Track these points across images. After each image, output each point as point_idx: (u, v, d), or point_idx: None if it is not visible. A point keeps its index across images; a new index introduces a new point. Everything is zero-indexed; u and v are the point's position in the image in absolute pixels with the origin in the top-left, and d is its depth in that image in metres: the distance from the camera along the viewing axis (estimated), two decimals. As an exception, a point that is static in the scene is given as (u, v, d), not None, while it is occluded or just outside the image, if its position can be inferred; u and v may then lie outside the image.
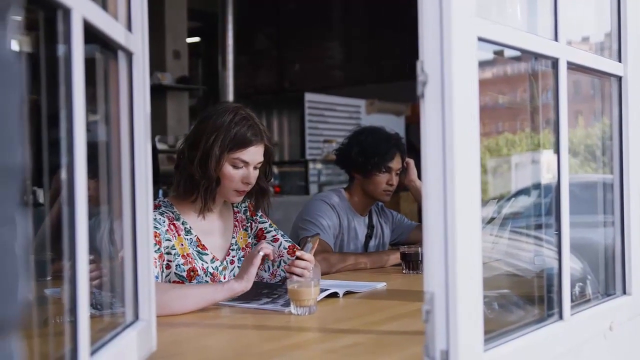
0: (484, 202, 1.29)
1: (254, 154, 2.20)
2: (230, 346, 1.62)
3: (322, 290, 2.04)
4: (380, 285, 2.35)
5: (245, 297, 2.04)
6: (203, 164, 2.16)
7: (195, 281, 2.16)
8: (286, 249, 2.35)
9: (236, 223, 2.37)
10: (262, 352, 1.53)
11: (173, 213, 2.21)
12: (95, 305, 1.31)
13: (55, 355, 1.11)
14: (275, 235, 2.40)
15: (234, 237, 2.34)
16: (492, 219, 2.20)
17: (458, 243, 1.15)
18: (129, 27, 1.34)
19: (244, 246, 2.36)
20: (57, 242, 1.08)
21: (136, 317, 1.37)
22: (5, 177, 0.56)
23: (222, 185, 2.21)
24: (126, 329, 1.31)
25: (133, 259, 1.36)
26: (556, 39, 1.51)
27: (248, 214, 2.41)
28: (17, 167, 0.58)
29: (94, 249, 1.15)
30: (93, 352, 1.09)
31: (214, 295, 1.95)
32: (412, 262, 2.65)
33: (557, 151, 1.52)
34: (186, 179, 2.20)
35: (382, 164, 2.98)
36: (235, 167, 2.19)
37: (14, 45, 0.59)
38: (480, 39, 1.24)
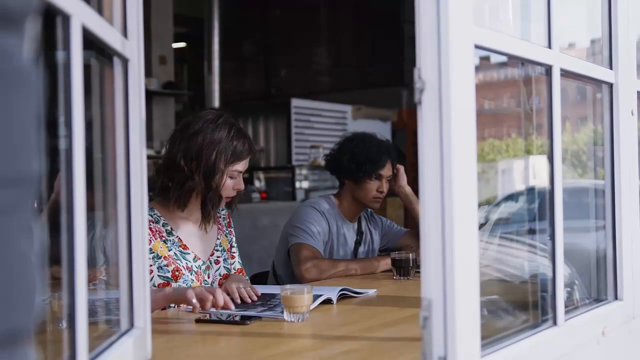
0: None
1: (247, 163, 2.34)
2: (224, 354, 1.62)
3: (316, 297, 2.04)
4: (372, 292, 2.35)
5: (241, 307, 2.03)
6: (207, 179, 2.23)
7: (181, 280, 2.22)
8: (235, 270, 2.44)
9: (219, 226, 2.46)
10: (258, 358, 1.53)
11: (152, 216, 2.26)
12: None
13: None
14: (235, 253, 2.51)
15: (218, 239, 2.42)
16: (480, 225, 2.20)
17: (456, 249, 1.15)
18: (124, 33, 1.34)
19: (227, 249, 2.45)
20: (49, 248, 1.07)
21: (131, 324, 1.36)
22: (22, 186, 0.56)
23: None
24: (122, 337, 1.30)
25: (128, 266, 1.36)
26: (550, 46, 1.52)
27: (226, 222, 2.51)
28: (33, 176, 0.58)
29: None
30: (90, 361, 1.08)
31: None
32: (403, 268, 2.65)
33: (550, 157, 1.53)
34: (187, 192, 2.24)
35: (374, 171, 2.98)
36: (231, 177, 2.29)
37: (30, 54, 0.59)
38: (477, 46, 1.24)
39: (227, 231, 2.49)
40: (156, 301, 1.99)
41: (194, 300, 1.88)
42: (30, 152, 0.57)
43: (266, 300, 2.12)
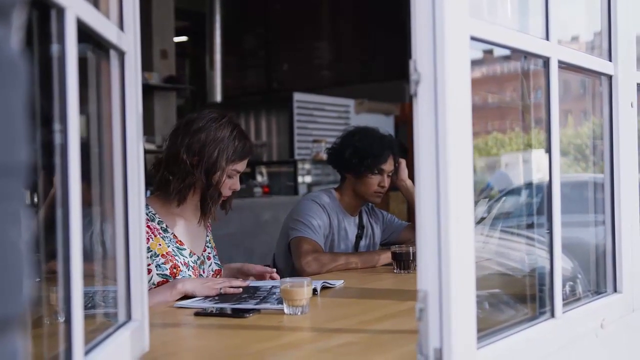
0: (475, 202, 1.30)
1: (245, 164, 2.38)
2: (223, 346, 1.62)
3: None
4: (339, 283, 2.37)
5: (230, 300, 2.03)
6: (208, 176, 2.27)
7: (179, 276, 2.25)
8: (213, 271, 2.45)
9: (208, 225, 2.50)
10: (255, 352, 1.53)
11: (147, 214, 2.27)
12: (87, 305, 1.31)
13: (49, 355, 1.10)
14: (216, 253, 2.52)
15: (208, 236, 2.47)
16: (482, 219, 2.20)
17: (451, 241, 1.16)
18: (121, 26, 1.34)
19: (213, 247, 2.50)
20: (48, 243, 1.08)
21: (129, 317, 1.36)
22: (10, 175, 0.57)
23: None
24: (119, 329, 1.30)
25: (125, 259, 1.36)
26: (547, 38, 1.52)
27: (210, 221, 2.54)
28: (21, 166, 0.58)
29: (84, 249, 1.15)
30: (87, 352, 1.08)
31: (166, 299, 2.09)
32: (403, 262, 2.65)
33: (548, 150, 1.53)
34: (187, 187, 2.28)
35: (375, 165, 2.98)
36: (229, 177, 2.32)
37: (18, 44, 0.59)
38: (473, 38, 1.24)
39: (211, 230, 2.54)
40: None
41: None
42: (18, 142, 0.57)
43: (252, 293, 2.13)
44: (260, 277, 2.43)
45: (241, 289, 2.15)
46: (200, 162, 2.26)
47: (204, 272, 2.37)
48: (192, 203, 2.35)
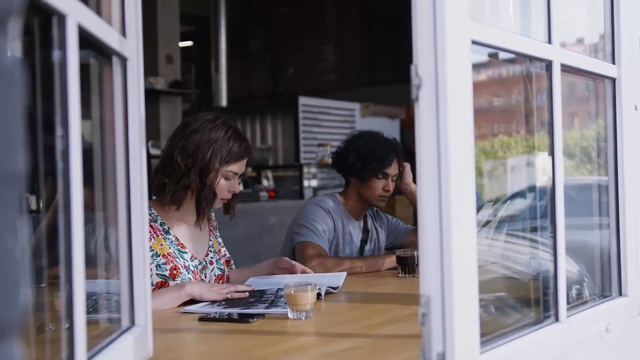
0: (480, 205, 1.30)
1: (243, 165, 2.36)
2: (227, 351, 1.62)
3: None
4: (342, 278, 2.39)
5: (237, 305, 2.03)
6: (202, 177, 2.26)
7: (179, 279, 2.25)
8: (215, 276, 2.44)
9: (211, 228, 2.50)
10: (259, 357, 1.53)
11: (150, 215, 2.28)
12: (90, 310, 1.31)
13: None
14: (225, 252, 2.55)
15: (210, 240, 2.47)
16: (487, 222, 2.20)
17: (453, 245, 1.15)
18: (123, 32, 1.34)
19: (217, 250, 2.49)
20: (52, 249, 1.08)
21: (132, 322, 1.36)
22: (7, 183, 0.57)
23: None
24: (122, 335, 1.30)
25: (129, 265, 1.36)
26: (550, 41, 1.52)
27: (215, 224, 2.55)
28: (18, 173, 0.59)
29: (89, 255, 1.15)
30: (89, 358, 1.09)
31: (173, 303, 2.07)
32: (408, 266, 2.65)
33: (551, 153, 1.53)
34: (182, 189, 2.28)
35: (380, 169, 2.98)
36: (226, 178, 2.32)
37: (15, 52, 0.59)
38: (475, 42, 1.24)
39: (216, 233, 2.54)
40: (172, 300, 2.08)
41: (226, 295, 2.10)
42: (15, 150, 0.58)
43: (259, 297, 2.13)
44: (290, 271, 2.45)
45: (247, 294, 2.15)
46: (195, 163, 2.26)
47: (205, 277, 2.37)
48: (192, 207, 2.34)
